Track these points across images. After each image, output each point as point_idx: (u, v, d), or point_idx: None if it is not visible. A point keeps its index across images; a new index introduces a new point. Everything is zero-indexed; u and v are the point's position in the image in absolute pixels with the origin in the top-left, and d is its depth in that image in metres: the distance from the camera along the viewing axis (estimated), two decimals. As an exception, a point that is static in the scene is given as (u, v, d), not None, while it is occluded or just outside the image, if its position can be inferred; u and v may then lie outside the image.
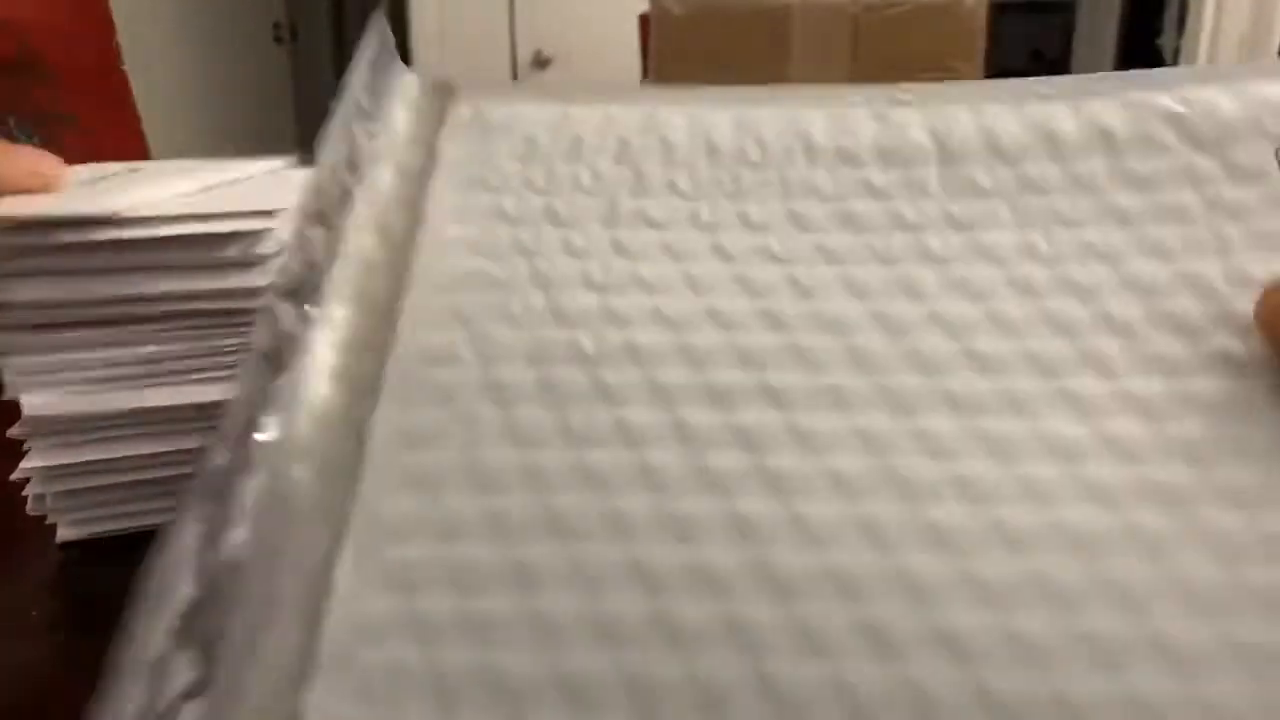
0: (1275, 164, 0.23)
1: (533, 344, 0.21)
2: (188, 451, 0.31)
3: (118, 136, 0.84)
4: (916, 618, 0.17)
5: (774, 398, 0.20)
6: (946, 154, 0.24)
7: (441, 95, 0.27)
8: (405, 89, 0.27)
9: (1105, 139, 0.24)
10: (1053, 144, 0.24)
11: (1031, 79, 0.25)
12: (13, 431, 0.30)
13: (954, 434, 0.19)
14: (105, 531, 0.31)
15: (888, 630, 0.16)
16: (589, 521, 0.18)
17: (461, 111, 0.26)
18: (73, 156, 0.78)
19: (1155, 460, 0.19)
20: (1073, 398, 0.20)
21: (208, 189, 0.35)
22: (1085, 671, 0.16)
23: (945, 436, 0.19)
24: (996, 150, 0.24)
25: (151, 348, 0.31)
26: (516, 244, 0.23)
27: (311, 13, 2.81)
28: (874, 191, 0.24)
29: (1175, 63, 1.32)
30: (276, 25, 2.67)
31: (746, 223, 0.23)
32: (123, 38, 0.87)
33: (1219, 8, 0.75)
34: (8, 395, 0.31)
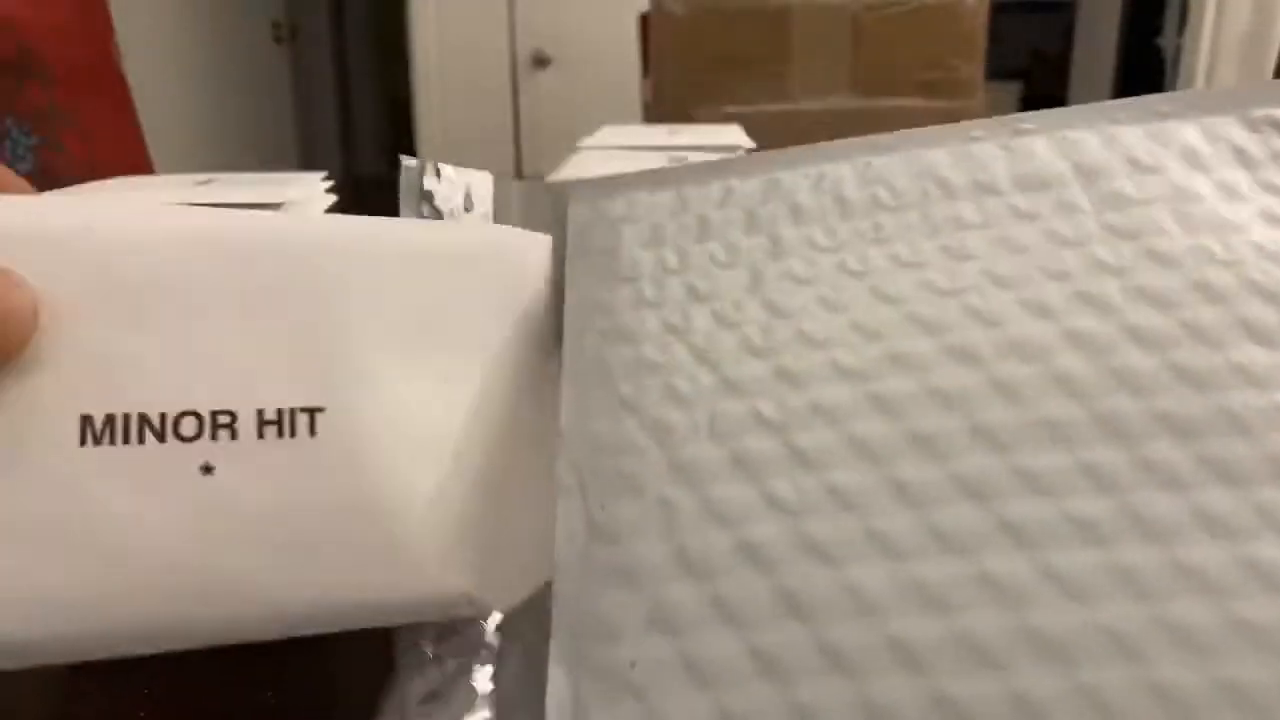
0: None
1: (710, 420, 0.20)
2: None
3: (116, 136, 0.82)
4: (1198, 674, 0.15)
5: (989, 439, 0.19)
6: (1086, 173, 0.23)
7: (557, 198, 0.26)
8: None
9: (1238, 154, 0.23)
10: (1190, 158, 0.23)
11: (1152, 96, 0.24)
12: None
13: (1182, 463, 0.18)
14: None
15: (1174, 690, 0.15)
16: (825, 598, 0.17)
17: (580, 210, 0.25)
18: (71, 156, 0.75)
19: None
20: None
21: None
22: None
23: (1174, 466, 0.18)
24: (1136, 165, 0.23)
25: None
26: (666, 326, 0.22)
27: (311, 13, 2.76)
28: (1024, 215, 0.22)
29: (1176, 63, 1.32)
30: (276, 25, 2.63)
31: (900, 262, 0.22)
32: (122, 37, 0.84)
33: (1220, 8, 0.75)
34: None
